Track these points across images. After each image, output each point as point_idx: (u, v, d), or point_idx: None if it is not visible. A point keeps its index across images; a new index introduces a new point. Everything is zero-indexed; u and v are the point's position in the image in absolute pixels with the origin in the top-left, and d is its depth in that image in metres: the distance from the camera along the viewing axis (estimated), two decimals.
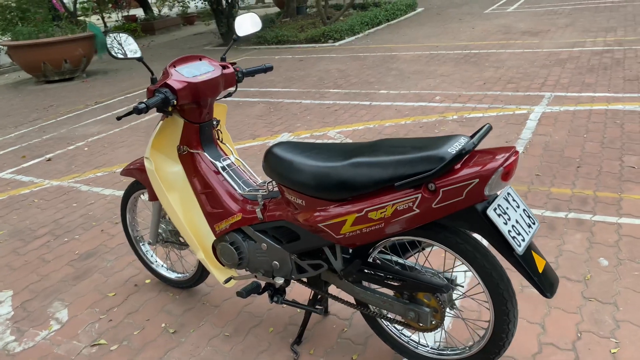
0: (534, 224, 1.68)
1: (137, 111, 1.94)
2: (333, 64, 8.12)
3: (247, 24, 2.40)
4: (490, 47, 7.96)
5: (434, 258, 2.64)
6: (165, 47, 12.47)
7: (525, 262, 1.61)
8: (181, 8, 17.03)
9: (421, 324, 1.88)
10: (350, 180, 1.72)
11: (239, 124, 5.57)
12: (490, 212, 1.57)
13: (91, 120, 6.55)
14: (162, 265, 2.83)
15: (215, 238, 2.27)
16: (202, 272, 2.60)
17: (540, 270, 1.63)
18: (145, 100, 1.99)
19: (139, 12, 17.34)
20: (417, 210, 1.63)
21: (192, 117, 2.20)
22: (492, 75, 6.30)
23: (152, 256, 2.84)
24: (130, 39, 2.11)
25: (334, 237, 1.83)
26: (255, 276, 2.24)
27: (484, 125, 1.65)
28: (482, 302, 2.00)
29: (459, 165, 1.58)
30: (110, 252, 3.22)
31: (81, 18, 12.79)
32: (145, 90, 2.14)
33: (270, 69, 2.45)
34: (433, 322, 1.85)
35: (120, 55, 2.05)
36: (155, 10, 16.53)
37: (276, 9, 16.40)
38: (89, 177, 4.56)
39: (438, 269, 1.91)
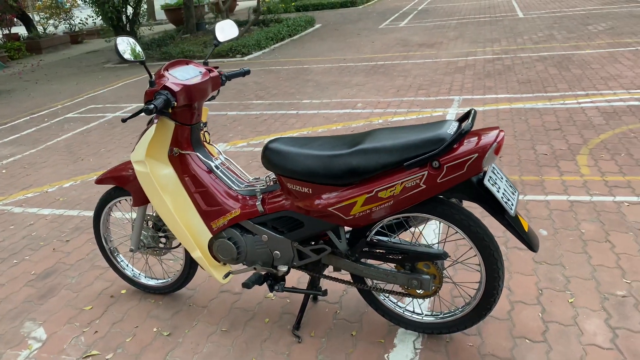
0: (515, 191, 1.99)
1: (148, 112, 1.99)
2: (248, 77, 8.25)
3: (227, 29, 2.52)
4: (393, 58, 8.54)
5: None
6: (60, 66, 11.82)
7: (515, 224, 1.90)
8: (67, 25, 16.22)
9: (422, 291, 2.11)
10: (361, 165, 1.92)
11: None
12: (486, 182, 1.85)
13: None
14: (140, 274, 2.82)
15: (211, 236, 2.34)
16: (187, 275, 2.63)
17: (526, 230, 1.93)
18: (152, 101, 2.04)
19: (21, 30, 16.21)
20: (424, 186, 1.86)
21: (184, 119, 2.27)
22: (402, 84, 6.80)
23: (127, 265, 2.82)
24: (137, 44, 2.16)
25: (343, 219, 2.01)
26: (255, 268, 2.34)
27: (470, 110, 1.93)
28: (473, 266, 2.27)
29: (456, 145, 1.84)
30: (71, 269, 3.12)
31: None
32: (145, 93, 2.18)
33: (248, 72, 2.58)
34: (433, 287, 2.09)
35: (128, 57, 2.09)
36: (40, 28, 15.55)
37: (172, 26, 16.16)
38: (17, 198, 4.31)
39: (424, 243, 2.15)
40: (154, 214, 2.60)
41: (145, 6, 11.41)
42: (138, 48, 2.17)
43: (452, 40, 9.60)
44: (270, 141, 2.16)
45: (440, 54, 8.45)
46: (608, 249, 2.76)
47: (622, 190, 3.35)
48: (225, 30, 2.52)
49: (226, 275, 2.40)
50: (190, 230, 2.34)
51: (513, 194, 1.95)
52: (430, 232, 3.03)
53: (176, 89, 2.15)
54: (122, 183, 2.49)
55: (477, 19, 12.00)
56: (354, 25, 13.31)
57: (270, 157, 2.11)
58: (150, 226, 2.63)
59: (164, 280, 2.74)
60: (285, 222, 2.20)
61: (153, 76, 2.21)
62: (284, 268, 2.27)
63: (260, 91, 7.23)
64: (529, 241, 1.91)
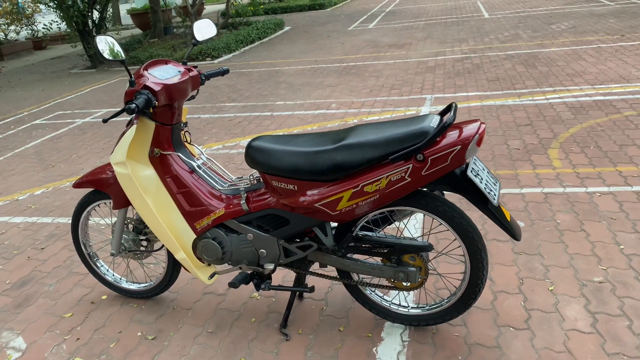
0: (497, 182, 2.03)
1: (130, 111, 1.97)
2: (220, 80, 8.20)
3: (204, 29, 2.51)
4: (364, 59, 8.61)
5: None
6: (23, 73, 11.52)
7: (497, 213, 1.94)
8: (30, 31, 15.83)
9: (409, 283, 2.14)
10: (346, 160, 1.93)
11: None
12: (469, 174, 1.88)
13: None
14: (121, 279, 2.77)
15: (195, 236, 2.32)
16: (170, 278, 2.60)
17: (509, 219, 1.98)
18: (131, 101, 2.02)
19: None
20: (409, 179, 1.89)
21: (165, 119, 2.25)
22: (375, 84, 6.86)
23: (107, 270, 2.77)
24: (116, 43, 2.13)
25: (329, 214, 2.02)
26: (240, 268, 2.33)
27: (451, 103, 1.96)
28: (457, 257, 2.30)
29: (439, 138, 1.87)
30: (48, 277, 3.04)
31: None
32: (124, 93, 2.15)
33: (227, 71, 2.57)
34: (419, 279, 2.12)
35: (107, 57, 2.06)
36: (1, 35, 15.14)
37: (139, 30, 15.94)
38: None
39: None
40: (135, 217, 2.57)
41: (111, 10, 11.19)
42: (117, 47, 2.15)
43: (421, 41, 9.73)
44: (254, 139, 2.16)
45: (410, 55, 8.56)
46: (583, 237, 2.84)
47: (593, 182, 3.45)
48: (203, 30, 2.51)
49: (211, 276, 2.38)
50: (174, 231, 2.32)
51: (495, 184, 1.99)
52: (411, 227, 3.07)
53: (157, 88, 2.13)
54: (101, 186, 2.44)
55: (444, 20, 12.19)
56: (323, 28, 13.37)
57: (254, 155, 2.11)
58: (131, 229, 2.59)
59: (147, 284, 2.70)
60: (271, 220, 2.20)
61: (132, 76, 2.18)
62: (270, 266, 2.26)
63: (232, 94, 7.19)
64: (511, 230, 1.95)
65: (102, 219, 3.58)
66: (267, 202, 2.17)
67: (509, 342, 2.16)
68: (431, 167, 1.86)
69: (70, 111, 7.28)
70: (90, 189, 2.55)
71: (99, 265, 2.76)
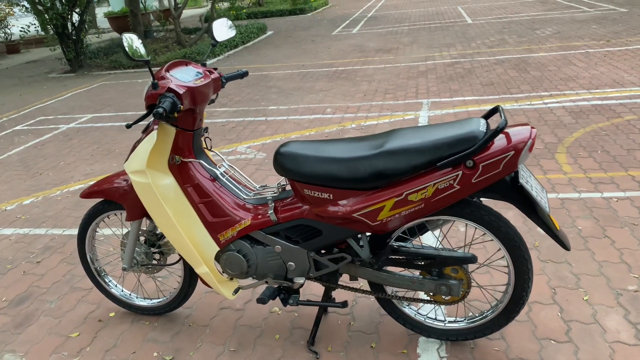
0: (544, 189, 1.94)
1: (158, 116, 1.82)
2: None
3: (224, 29, 2.37)
4: (353, 64, 8.53)
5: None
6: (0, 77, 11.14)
7: (548, 222, 1.85)
8: (3, 35, 15.34)
9: (450, 297, 2.03)
10: (389, 167, 1.82)
11: None
12: (522, 181, 1.79)
13: None
14: (130, 294, 2.60)
15: (218, 249, 2.17)
16: (185, 293, 2.45)
17: (558, 228, 1.88)
18: (160, 105, 1.87)
19: None
20: (458, 187, 1.78)
21: (186, 124, 2.10)
22: (368, 88, 6.77)
23: (116, 286, 2.60)
24: (140, 43, 1.97)
25: (369, 225, 1.90)
26: (266, 282, 2.20)
27: (497, 106, 1.87)
28: (500, 268, 2.20)
29: (490, 143, 1.77)
30: (47, 293, 2.85)
31: None
32: (146, 95, 1.99)
33: (246, 74, 2.43)
34: (462, 292, 2.01)
35: (132, 56, 1.91)
36: None
37: (116, 34, 15.60)
38: None
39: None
40: (147, 229, 2.41)
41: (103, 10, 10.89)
42: (141, 47, 1.99)
43: (408, 46, 9.70)
44: (283, 145, 2.03)
45: (399, 59, 8.51)
46: (608, 244, 2.77)
47: (607, 187, 3.41)
48: (222, 30, 2.37)
49: (235, 291, 2.24)
50: (195, 244, 2.17)
51: (542, 191, 1.90)
52: (429, 235, 2.96)
53: (181, 91, 1.98)
54: (114, 196, 2.28)
55: (427, 25, 12.22)
56: (306, 32, 13.27)
57: (283, 161, 1.98)
58: (143, 242, 2.43)
59: (160, 300, 2.53)
60: (301, 231, 2.07)
61: (155, 77, 2.02)
62: (300, 280, 2.13)
63: (222, 98, 7.02)
64: (562, 239, 1.86)
65: (106, 230, 3.39)
66: (297, 212, 2.04)
67: (553, 356, 2.07)
68: (482, 174, 1.75)
69: (53, 116, 7.01)
70: (99, 199, 2.37)
71: (107, 280, 2.58)
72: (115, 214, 2.42)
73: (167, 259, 2.48)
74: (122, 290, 2.60)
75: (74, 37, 9.96)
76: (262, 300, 2.14)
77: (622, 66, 6.46)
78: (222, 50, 10.80)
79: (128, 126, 1.87)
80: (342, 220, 1.94)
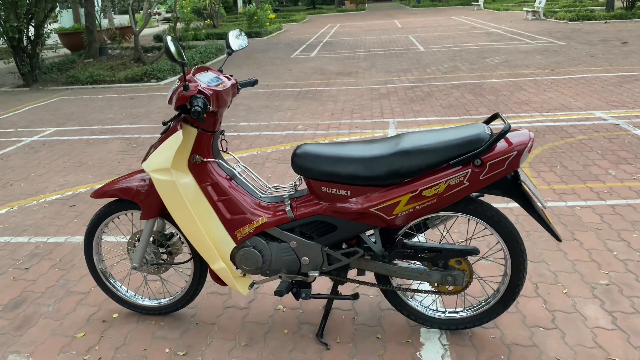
0: (536, 187, 2.17)
1: (197, 114, 1.94)
2: None
3: (238, 38, 2.50)
4: (316, 85, 8.79)
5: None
6: None
7: (543, 216, 2.08)
8: None
9: (454, 287, 2.22)
10: (405, 165, 2.00)
11: (106, 161, 5.21)
12: (523, 178, 2.01)
13: None
14: (135, 295, 2.63)
15: (235, 245, 2.27)
16: (193, 292, 2.52)
17: (551, 222, 2.12)
18: (195, 104, 1.98)
19: None
20: (467, 183, 1.98)
21: (208, 125, 2.21)
22: (334, 108, 7.01)
23: (121, 287, 2.63)
24: (180, 47, 2.08)
25: (384, 219, 2.07)
26: (280, 276, 2.31)
27: (496, 113, 2.10)
28: (497, 260, 2.39)
29: (496, 144, 1.99)
30: (43, 297, 2.83)
31: None
32: (177, 96, 2.08)
33: (256, 82, 2.57)
34: (465, 282, 2.20)
35: (175, 57, 2.01)
36: None
37: (67, 51, 15.27)
38: None
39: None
40: (156, 229, 2.47)
41: (51, 27, 10.68)
42: (181, 50, 2.10)
43: (367, 70, 10.08)
44: (299, 146, 2.17)
45: (360, 82, 8.84)
46: (578, 246, 3.06)
47: (570, 197, 3.74)
48: (236, 39, 2.50)
49: (251, 286, 2.33)
50: (212, 240, 2.26)
51: (536, 190, 2.13)
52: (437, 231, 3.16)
53: (209, 93, 2.10)
54: (130, 195, 2.34)
55: (382, 52, 12.71)
56: (264, 55, 13.48)
57: (302, 161, 2.13)
58: (151, 242, 2.49)
59: (167, 299, 2.58)
60: (316, 227, 2.21)
61: (186, 80, 2.13)
62: (315, 274, 2.26)
63: None
64: (556, 232, 2.09)
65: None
66: (313, 209, 2.18)
67: (543, 340, 2.28)
68: (489, 171, 1.96)
69: (13, 129, 6.82)
70: (111, 199, 2.40)
71: (112, 281, 2.61)
72: (125, 214, 2.47)
73: (175, 258, 2.55)
74: (127, 291, 2.63)
75: (30, 51, 9.72)
76: (279, 292, 2.25)
77: (568, 92, 7.01)
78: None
79: (164, 123, 1.97)
80: (358, 215, 2.10)
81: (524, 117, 5.92)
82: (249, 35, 18.28)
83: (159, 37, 16.85)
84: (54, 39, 12.75)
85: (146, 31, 22.04)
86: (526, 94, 7.07)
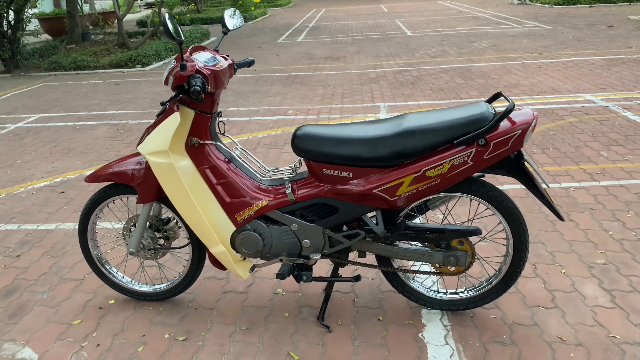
0: (538, 167, 2.16)
1: (197, 94, 1.89)
2: (158, 87, 7.91)
3: (233, 18, 2.44)
4: (304, 70, 8.71)
5: None
6: None
7: (547, 195, 2.07)
8: None
9: (454, 268, 2.21)
10: (408, 146, 1.98)
11: (94, 147, 5.12)
12: (526, 157, 2.00)
13: None
14: (132, 280, 2.59)
15: (235, 229, 2.24)
16: (192, 277, 2.48)
17: (553, 202, 2.11)
18: (194, 84, 1.93)
19: None
20: (471, 163, 1.97)
21: (205, 107, 2.16)
22: (324, 92, 6.96)
23: (117, 273, 2.58)
24: (177, 25, 2.01)
25: (387, 200, 2.04)
26: (281, 260, 2.28)
27: (498, 93, 2.08)
28: (499, 240, 2.38)
29: (499, 123, 1.97)
30: (36, 284, 2.77)
31: None
32: (174, 76, 2.02)
33: (253, 62, 2.51)
34: (467, 262, 2.19)
35: (172, 33, 1.95)
36: None
37: (48, 36, 14.95)
38: None
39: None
40: (152, 214, 2.43)
41: (31, 12, 10.43)
42: (179, 28, 2.03)
43: (355, 55, 10.01)
44: (299, 128, 2.14)
45: (349, 67, 8.78)
46: (574, 226, 3.07)
47: (563, 178, 3.75)
48: (232, 19, 2.44)
49: (251, 270, 2.31)
50: (212, 224, 2.22)
51: (538, 169, 2.13)
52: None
53: (207, 73, 2.05)
54: (126, 179, 2.29)
55: (370, 36, 12.63)
56: (250, 40, 13.33)
57: (302, 143, 2.09)
58: (147, 226, 2.45)
59: (165, 284, 2.54)
60: (317, 209, 2.18)
61: (184, 59, 2.07)
62: (317, 256, 2.24)
63: None
64: (558, 211, 2.08)
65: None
66: (314, 191, 2.15)
67: (544, 319, 2.29)
68: (493, 150, 1.95)
69: None
70: (105, 184, 2.32)
71: (107, 267, 2.56)
72: (121, 199, 2.42)
73: (172, 243, 2.51)
74: (123, 277, 2.59)
75: (10, 37, 9.49)
76: (281, 275, 2.22)
77: (557, 76, 7.03)
78: (167, 53, 10.65)
79: (162, 104, 1.92)
80: (360, 197, 2.07)
81: (514, 100, 5.92)
82: (175, 21, 18.04)
83: (142, 22, 16.58)
84: (34, 24, 12.46)
85: (129, 17, 21.67)
86: (515, 78, 7.08)
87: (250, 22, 18.24)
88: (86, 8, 19.25)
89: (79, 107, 6.86)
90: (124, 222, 3.23)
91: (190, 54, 2.13)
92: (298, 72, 8.46)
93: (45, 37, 14.74)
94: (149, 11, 19.39)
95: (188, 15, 16.48)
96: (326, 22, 16.80)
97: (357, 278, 2.31)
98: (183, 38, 2.02)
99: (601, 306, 2.36)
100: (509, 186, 3.64)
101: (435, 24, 14.24)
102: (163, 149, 2.10)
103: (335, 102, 6.40)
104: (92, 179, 2.35)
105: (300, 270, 2.31)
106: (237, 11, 2.50)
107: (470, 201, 2.20)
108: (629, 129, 4.71)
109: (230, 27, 2.41)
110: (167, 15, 1.95)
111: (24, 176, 4.43)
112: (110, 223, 3.35)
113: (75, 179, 4.29)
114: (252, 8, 19.20)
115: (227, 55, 2.33)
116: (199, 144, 2.19)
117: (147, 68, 9.67)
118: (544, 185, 2.08)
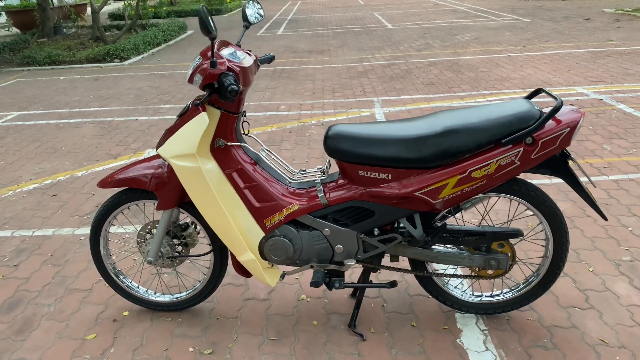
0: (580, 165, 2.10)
1: (235, 93, 1.75)
2: (140, 82, 7.65)
3: (254, 11, 2.30)
4: (290, 64, 8.55)
5: None
6: None
7: (590, 194, 2.00)
8: None
9: (495, 271, 2.13)
10: (453, 145, 1.88)
11: (82, 146, 4.89)
12: (572, 156, 1.93)
13: None
14: (147, 291, 2.44)
15: (263, 235, 2.12)
16: (213, 285, 2.35)
17: (596, 200, 2.05)
18: (231, 83, 1.79)
19: None
20: (518, 163, 1.89)
21: (232, 106, 2.03)
22: (314, 87, 6.83)
23: (131, 283, 2.43)
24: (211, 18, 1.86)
25: (429, 203, 1.95)
26: (311, 266, 2.17)
27: (538, 89, 2.01)
28: (538, 241, 2.31)
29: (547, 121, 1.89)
30: (40, 296, 2.60)
31: None
32: (202, 74, 1.87)
33: (273, 58, 2.38)
34: (509, 265, 2.12)
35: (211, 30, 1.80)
36: None
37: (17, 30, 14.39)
38: None
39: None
40: (171, 219, 2.28)
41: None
42: (213, 22, 1.88)
43: (338, 48, 9.89)
44: (332, 127, 2.02)
45: (334, 60, 8.66)
46: (592, 222, 3.04)
47: None
48: (253, 12, 2.30)
49: (282, 277, 2.19)
50: (240, 230, 2.09)
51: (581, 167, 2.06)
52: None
53: (237, 70, 1.92)
54: (144, 184, 2.14)
55: (351, 29, 12.52)
56: (229, 33, 13.06)
57: (337, 143, 1.98)
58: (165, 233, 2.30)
59: (184, 293, 2.40)
60: (351, 213, 2.08)
61: (214, 56, 1.92)
62: (351, 262, 2.13)
63: (163, 95, 6.75)
64: (601, 211, 2.02)
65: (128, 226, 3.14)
66: (348, 194, 2.04)
67: (582, 321, 2.24)
68: (541, 149, 1.87)
69: None
70: (120, 189, 2.14)
71: (121, 277, 2.41)
72: (137, 205, 2.27)
73: (190, 250, 2.37)
74: (138, 287, 2.44)
75: None
76: (315, 283, 2.11)
77: (545, 69, 7.05)
78: (145, 47, 10.34)
79: (196, 105, 1.78)
80: (400, 200, 1.97)
81: (507, 94, 5.91)
82: (209, 12, 17.69)
83: (114, 15, 16.11)
84: (3, 17, 11.98)
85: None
86: (505, 71, 7.07)
87: (226, 15, 17.93)
88: (56, 1, 18.64)
89: (60, 104, 6.58)
90: (138, 229, 3.06)
91: (219, 50, 1.99)
92: (284, 67, 8.31)
93: (15, 30, 14.18)
94: (120, 4, 18.84)
95: (165, 8, 16.07)
96: (304, 15, 16.62)
97: (393, 284, 2.21)
98: (216, 33, 1.88)
99: (637, 305, 2.32)
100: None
101: (415, 17, 14.21)
102: (190, 152, 1.96)
103: (327, 96, 6.28)
104: (105, 184, 2.19)
105: (331, 277, 2.21)
106: (259, 5, 2.36)
107: (510, 201, 2.12)
108: (627, 121, 4.73)
109: (252, 20, 2.27)
110: (202, 9, 1.80)
111: (10, 178, 4.19)
112: (124, 228, 3.18)
113: (67, 180, 4.08)
114: (228, 1, 18.87)
115: (250, 51, 2.20)
116: (225, 145, 2.06)
117: (126, 63, 9.36)
118: (594, 185, 2.00)
